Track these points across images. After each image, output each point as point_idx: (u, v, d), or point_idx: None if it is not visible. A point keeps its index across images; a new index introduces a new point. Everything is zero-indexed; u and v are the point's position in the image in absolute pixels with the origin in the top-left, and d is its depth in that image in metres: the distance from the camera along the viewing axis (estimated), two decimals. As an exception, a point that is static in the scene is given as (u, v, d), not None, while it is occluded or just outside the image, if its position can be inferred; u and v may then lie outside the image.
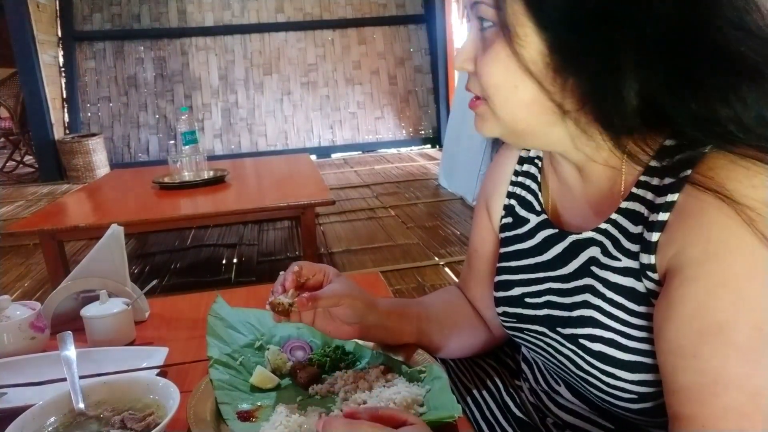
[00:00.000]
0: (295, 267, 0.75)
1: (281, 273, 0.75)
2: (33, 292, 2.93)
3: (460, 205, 4.12)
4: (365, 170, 5.62)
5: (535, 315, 0.70)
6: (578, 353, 0.63)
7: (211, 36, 6.31)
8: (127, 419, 0.63)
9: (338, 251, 3.34)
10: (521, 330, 0.73)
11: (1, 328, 0.87)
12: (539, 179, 0.75)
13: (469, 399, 0.83)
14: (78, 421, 0.63)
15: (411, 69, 6.67)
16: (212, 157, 4.75)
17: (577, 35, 0.53)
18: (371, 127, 6.62)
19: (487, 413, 0.80)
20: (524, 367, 0.83)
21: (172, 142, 6.14)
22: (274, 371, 0.77)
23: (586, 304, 0.62)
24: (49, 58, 5.80)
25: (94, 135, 5.67)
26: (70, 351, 0.73)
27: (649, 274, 0.55)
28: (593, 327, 0.61)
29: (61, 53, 6.03)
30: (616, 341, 0.59)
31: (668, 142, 0.57)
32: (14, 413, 0.61)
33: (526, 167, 0.78)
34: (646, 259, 0.55)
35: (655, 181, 0.57)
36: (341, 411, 0.63)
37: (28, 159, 6.27)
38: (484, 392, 0.83)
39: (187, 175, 2.88)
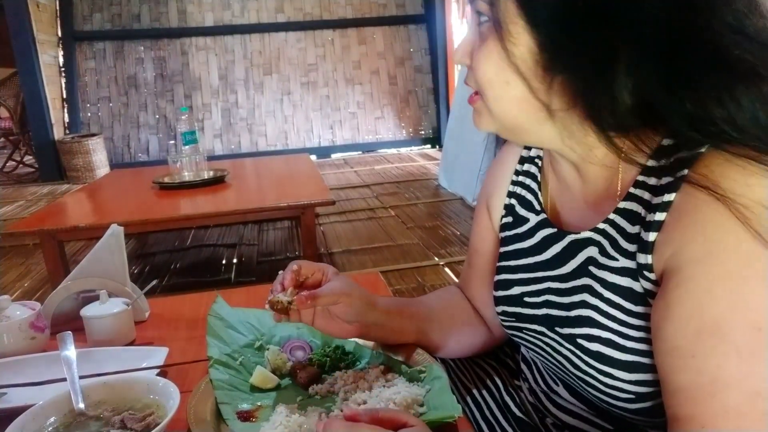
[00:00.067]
0: (294, 266, 0.75)
1: (280, 272, 0.76)
2: (33, 292, 2.93)
3: (460, 205, 4.12)
4: (365, 170, 5.62)
5: (534, 314, 0.70)
6: (576, 353, 0.63)
7: (211, 36, 6.30)
8: (127, 419, 0.63)
9: (338, 251, 3.33)
10: (520, 329, 0.73)
11: (1, 328, 0.87)
12: (539, 179, 0.75)
13: (469, 399, 0.83)
14: (78, 421, 0.63)
15: (411, 69, 6.67)
16: (212, 157, 4.76)
17: (567, 34, 0.53)
18: (371, 127, 6.62)
19: (487, 413, 0.80)
20: (523, 367, 0.83)
21: (172, 142, 6.14)
22: (274, 371, 0.77)
23: (584, 304, 0.63)
24: (49, 58, 5.80)
25: (94, 135, 5.67)
26: (70, 351, 0.73)
27: (647, 274, 0.55)
28: (591, 327, 0.61)
29: (61, 53, 6.03)
30: (614, 341, 0.59)
31: (666, 142, 0.57)
32: (14, 413, 0.61)
33: (526, 167, 0.78)
34: (643, 259, 0.55)
35: (652, 181, 0.57)
36: (341, 411, 0.63)
37: (28, 159, 6.27)
38: (484, 392, 0.83)
39: (187, 175, 2.88)
